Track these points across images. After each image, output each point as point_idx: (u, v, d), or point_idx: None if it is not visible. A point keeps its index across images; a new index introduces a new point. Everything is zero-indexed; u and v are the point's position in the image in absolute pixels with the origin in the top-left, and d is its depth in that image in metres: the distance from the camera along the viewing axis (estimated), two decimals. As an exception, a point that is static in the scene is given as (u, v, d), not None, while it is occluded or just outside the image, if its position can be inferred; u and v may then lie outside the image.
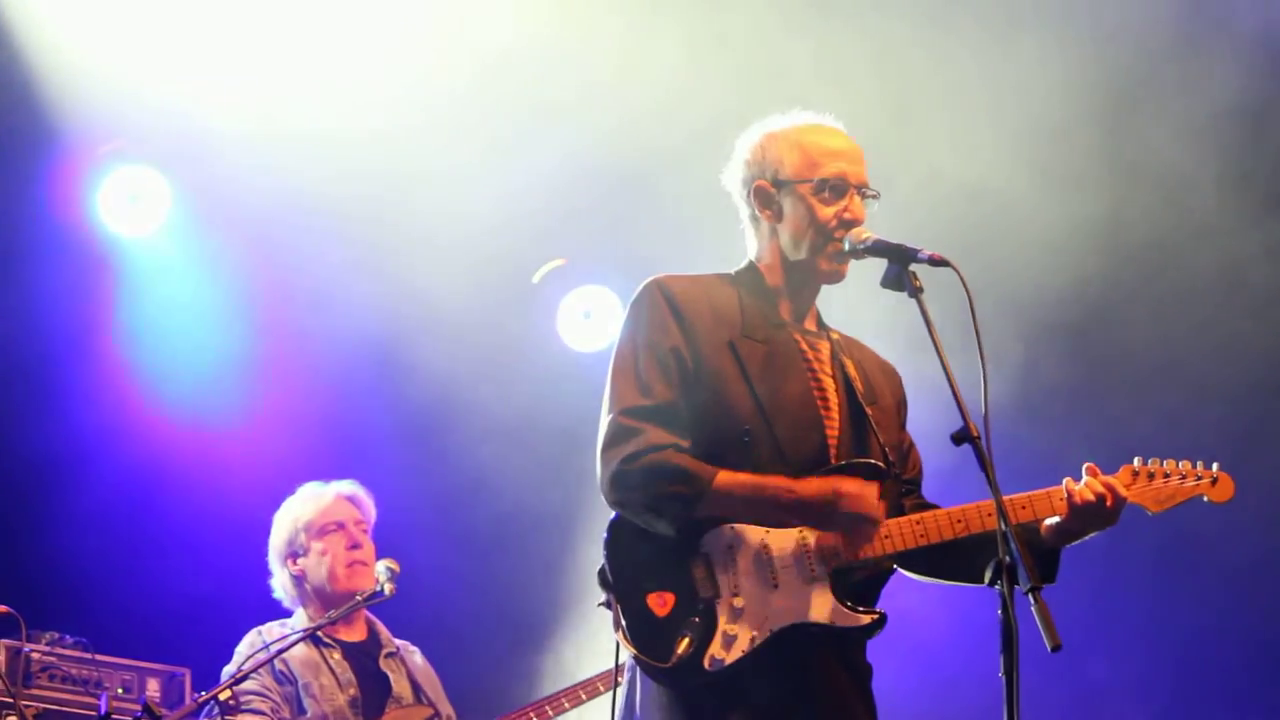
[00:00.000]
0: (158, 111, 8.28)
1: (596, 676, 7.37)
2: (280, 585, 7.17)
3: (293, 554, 7.08)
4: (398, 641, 7.24)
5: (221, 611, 8.04)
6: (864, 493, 4.48)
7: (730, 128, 4.93)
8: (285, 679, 6.89)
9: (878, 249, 4.57)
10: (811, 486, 4.47)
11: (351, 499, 7.23)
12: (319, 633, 6.98)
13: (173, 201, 8.48)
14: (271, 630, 7.01)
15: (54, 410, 8.41)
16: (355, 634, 7.12)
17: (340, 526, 7.14)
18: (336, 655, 6.98)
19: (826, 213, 4.68)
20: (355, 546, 7.10)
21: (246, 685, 6.81)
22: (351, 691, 6.91)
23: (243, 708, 6.75)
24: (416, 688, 7.11)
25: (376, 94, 8.43)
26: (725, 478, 4.44)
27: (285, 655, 6.89)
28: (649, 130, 8.36)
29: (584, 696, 7.35)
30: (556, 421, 8.64)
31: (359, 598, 6.86)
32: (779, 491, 4.46)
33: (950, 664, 8.52)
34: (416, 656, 7.27)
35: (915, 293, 4.42)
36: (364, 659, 7.07)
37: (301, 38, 8.20)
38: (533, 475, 8.95)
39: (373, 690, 6.99)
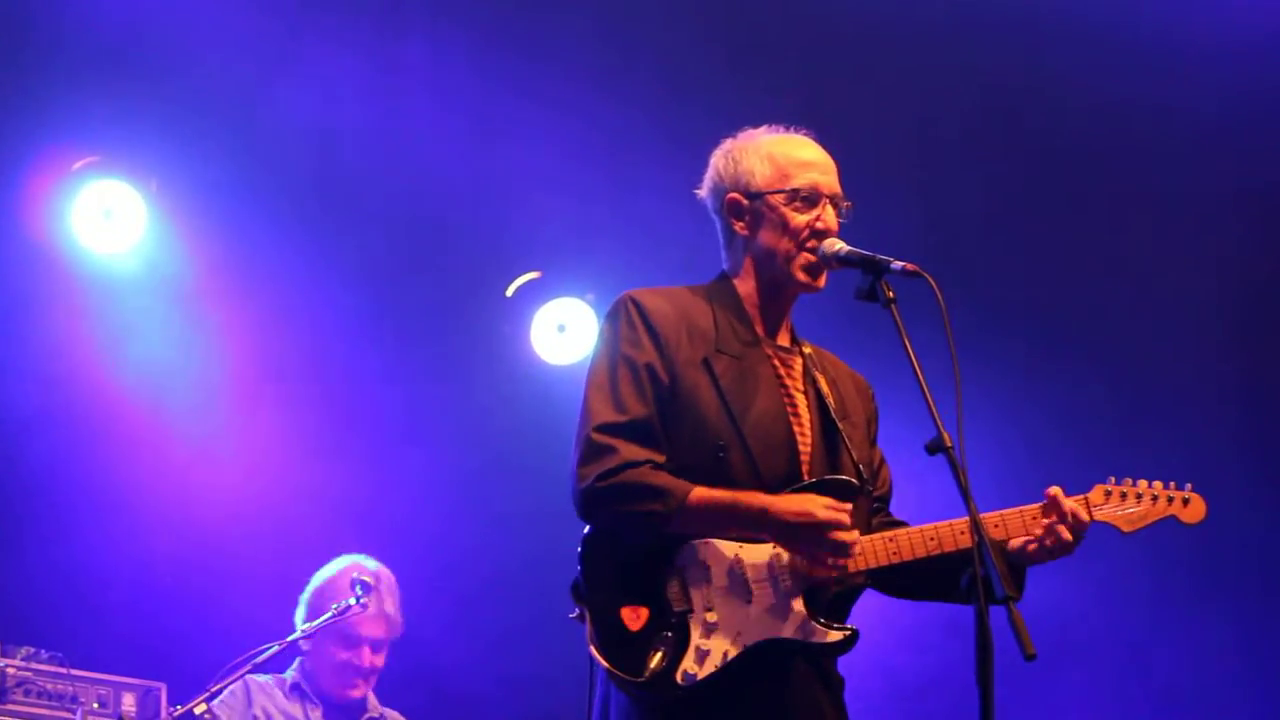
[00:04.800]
0: (134, 126, 8.29)
1: None
2: (309, 610, 7.28)
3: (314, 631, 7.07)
4: (385, 710, 7.31)
5: (197, 626, 8.04)
6: (839, 516, 4.43)
7: (707, 138, 4.95)
8: None
9: (850, 260, 4.57)
10: (789, 505, 4.44)
11: (388, 619, 7.30)
12: (304, 686, 7.04)
13: (148, 218, 8.45)
14: (258, 681, 7.09)
15: (26, 427, 8.38)
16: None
17: (362, 643, 7.24)
18: (318, 713, 7.02)
19: (799, 223, 4.68)
20: (368, 669, 7.27)
21: None
22: None
23: None
24: None
25: (355, 106, 8.44)
26: (700, 494, 4.41)
27: (267, 707, 6.93)
28: (625, 141, 8.40)
29: None
30: (531, 435, 8.63)
31: (334, 607, 6.90)
32: (753, 509, 4.44)
33: (923, 673, 8.55)
34: None
35: (888, 304, 4.43)
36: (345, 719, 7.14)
37: (280, 51, 8.22)
38: (507, 489, 8.95)
39: None
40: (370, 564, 7.36)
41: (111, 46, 8.06)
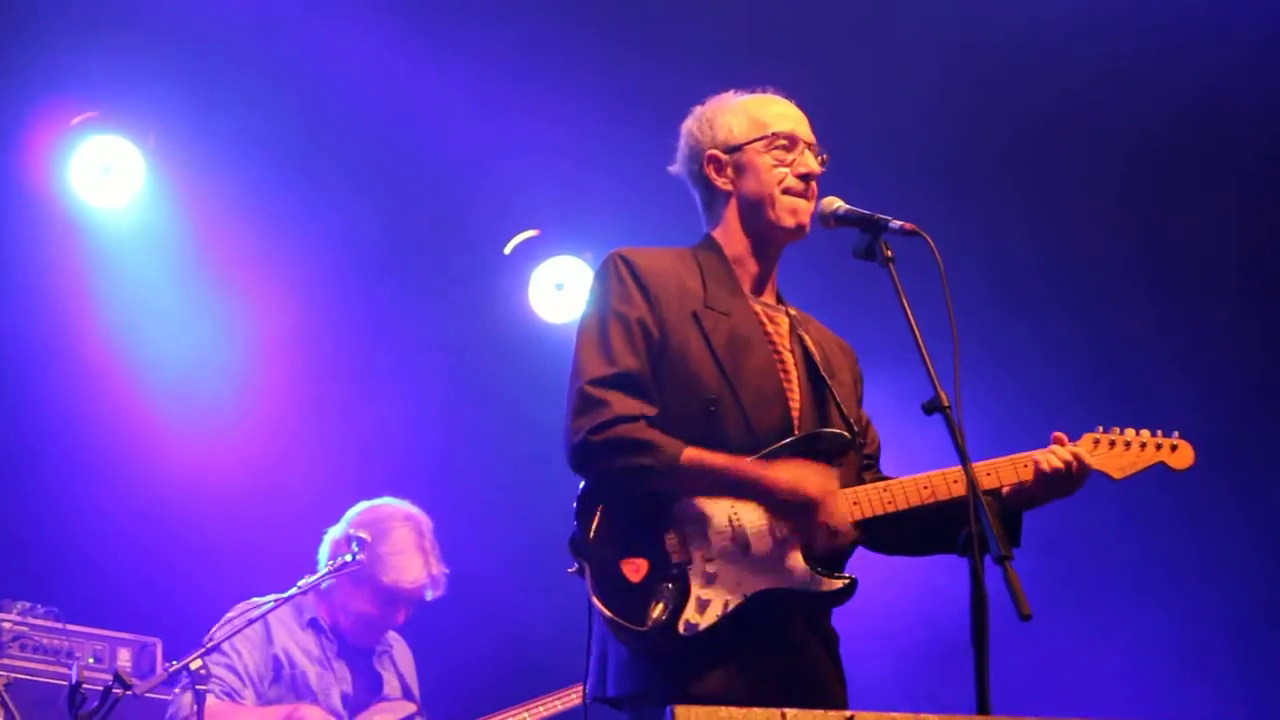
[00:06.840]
0: (132, 81, 8.27)
1: (570, 688, 7.36)
2: (331, 550, 7.07)
3: (364, 570, 6.85)
4: (394, 637, 7.28)
5: (193, 582, 8.04)
6: (830, 489, 4.46)
7: (703, 100, 4.95)
8: (281, 665, 6.90)
9: (849, 219, 4.59)
10: (781, 476, 4.46)
11: (435, 581, 7.15)
12: (322, 622, 6.98)
13: (146, 173, 8.45)
14: (276, 615, 6.97)
15: (23, 381, 8.39)
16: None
17: (410, 604, 7.12)
18: (333, 649, 6.99)
19: (780, 167, 4.76)
20: (395, 624, 7.17)
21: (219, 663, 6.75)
22: (345, 688, 6.98)
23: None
24: (404, 683, 7.19)
25: (356, 64, 8.43)
26: (693, 454, 4.43)
27: (287, 645, 6.89)
28: (624, 100, 8.39)
29: (559, 705, 7.38)
30: (529, 393, 8.64)
31: (331, 564, 6.85)
32: (746, 477, 4.45)
33: (918, 633, 8.57)
34: (403, 649, 7.31)
35: (886, 263, 4.44)
36: (360, 657, 7.10)
37: (282, 7, 8.20)
38: (504, 447, 8.96)
39: (365, 688, 7.07)
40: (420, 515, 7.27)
41: (109, 1, 8.05)
